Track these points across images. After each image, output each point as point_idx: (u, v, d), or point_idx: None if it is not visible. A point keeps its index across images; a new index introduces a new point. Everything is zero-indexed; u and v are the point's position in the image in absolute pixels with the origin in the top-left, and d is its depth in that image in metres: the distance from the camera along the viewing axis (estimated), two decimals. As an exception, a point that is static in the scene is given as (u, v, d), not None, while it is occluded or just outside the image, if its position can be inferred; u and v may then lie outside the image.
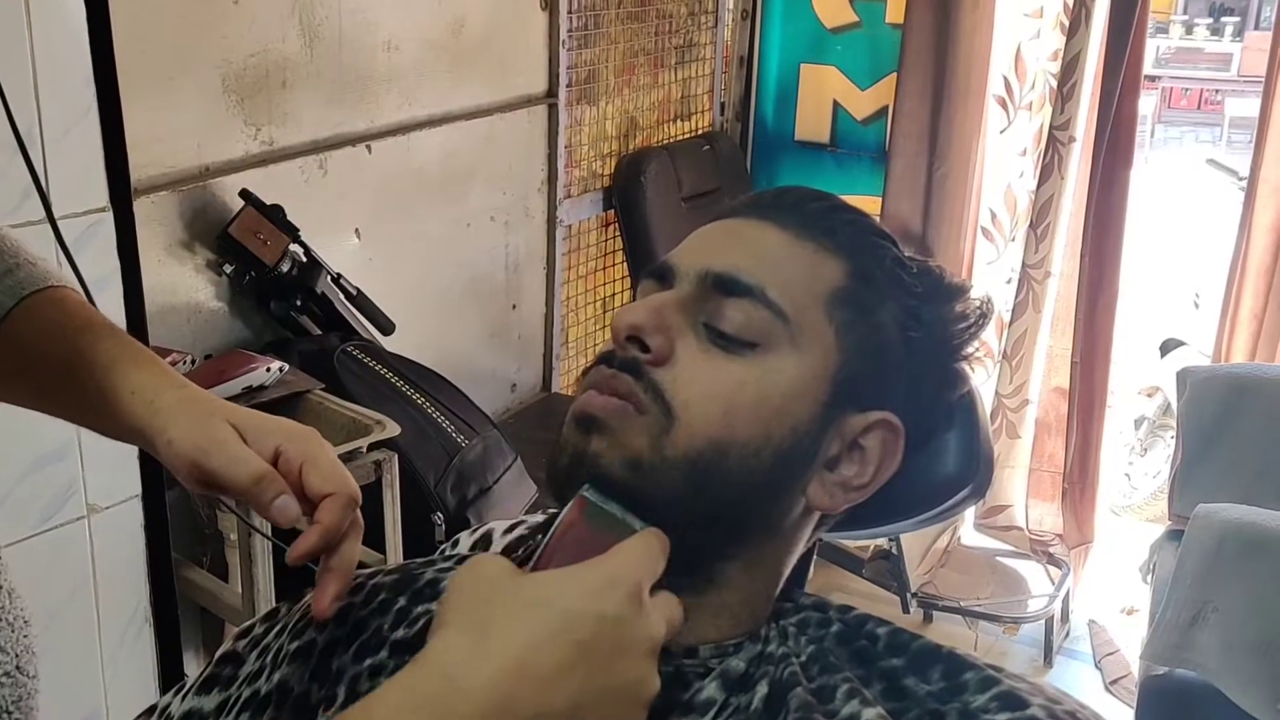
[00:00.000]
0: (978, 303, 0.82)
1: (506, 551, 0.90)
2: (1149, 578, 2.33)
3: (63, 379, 0.83)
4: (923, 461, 0.84)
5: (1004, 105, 3.16)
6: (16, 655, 0.83)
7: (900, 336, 0.78)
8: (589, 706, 0.58)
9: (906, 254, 0.82)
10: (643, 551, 0.65)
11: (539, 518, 0.95)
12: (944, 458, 0.85)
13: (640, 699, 0.61)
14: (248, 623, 0.87)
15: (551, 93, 2.96)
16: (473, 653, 0.57)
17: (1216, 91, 9.98)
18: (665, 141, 3.39)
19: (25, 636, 0.85)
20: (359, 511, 0.79)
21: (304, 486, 0.77)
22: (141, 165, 2.02)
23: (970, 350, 0.82)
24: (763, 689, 0.71)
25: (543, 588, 0.61)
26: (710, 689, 0.71)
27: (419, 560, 0.87)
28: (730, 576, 0.74)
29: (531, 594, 0.60)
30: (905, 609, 2.89)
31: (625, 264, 3.27)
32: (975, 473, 0.86)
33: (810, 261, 0.77)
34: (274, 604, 0.88)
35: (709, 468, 0.70)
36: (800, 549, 0.80)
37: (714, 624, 0.74)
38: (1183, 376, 2.39)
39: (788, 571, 0.79)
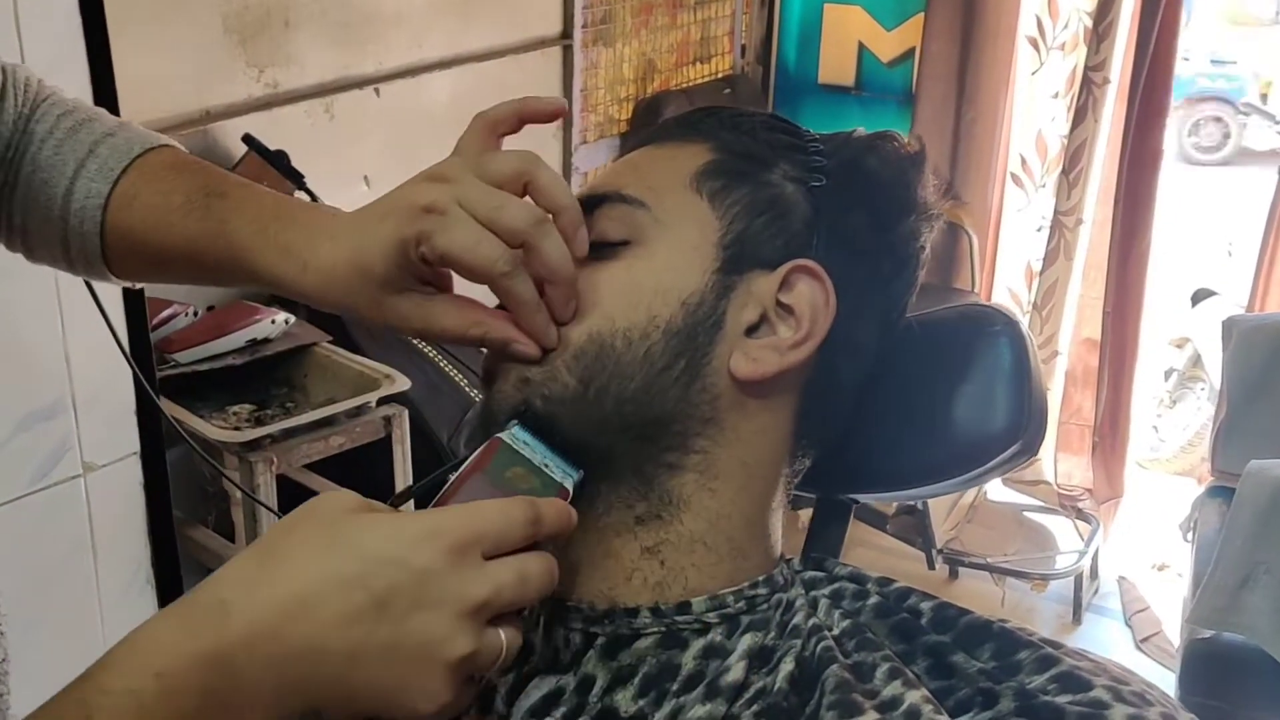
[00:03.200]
0: (899, 144, 0.76)
1: None
2: (1190, 535, 2.26)
3: (189, 259, 0.76)
4: (971, 416, 0.78)
5: (1035, 46, 3.06)
6: None
7: (800, 190, 0.73)
8: (372, 657, 0.55)
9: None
10: (493, 512, 0.59)
11: None
12: (993, 411, 0.79)
13: (440, 659, 0.56)
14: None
15: (566, 34, 2.87)
16: (254, 579, 0.56)
17: (1246, 36, 9.76)
18: (684, 85, 3.30)
19: None
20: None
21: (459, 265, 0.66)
22: (138, 108, 1.94)
23: (910, 192, 0.75)
24: (788, 665, 0.65)
25: (355, 530, 0.58)
26: (737, 669, 0.65)
27: None
28: (687, 494, 0.69)
29: (344, 533, 0.57)
30: (930, 565, 2.83)
31: (643, 212, 3.18)
32: (1026, 427, 0.79)
33: (668, 155, 0.75)
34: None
35: (596, 360, 0.68)
36: (766, 458, 0.72)
37: (694, 566, 0.69)
38: (1228, 326, 2.31)
39: (764, 495, 0.72)
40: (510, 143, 0.73)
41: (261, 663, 0.54)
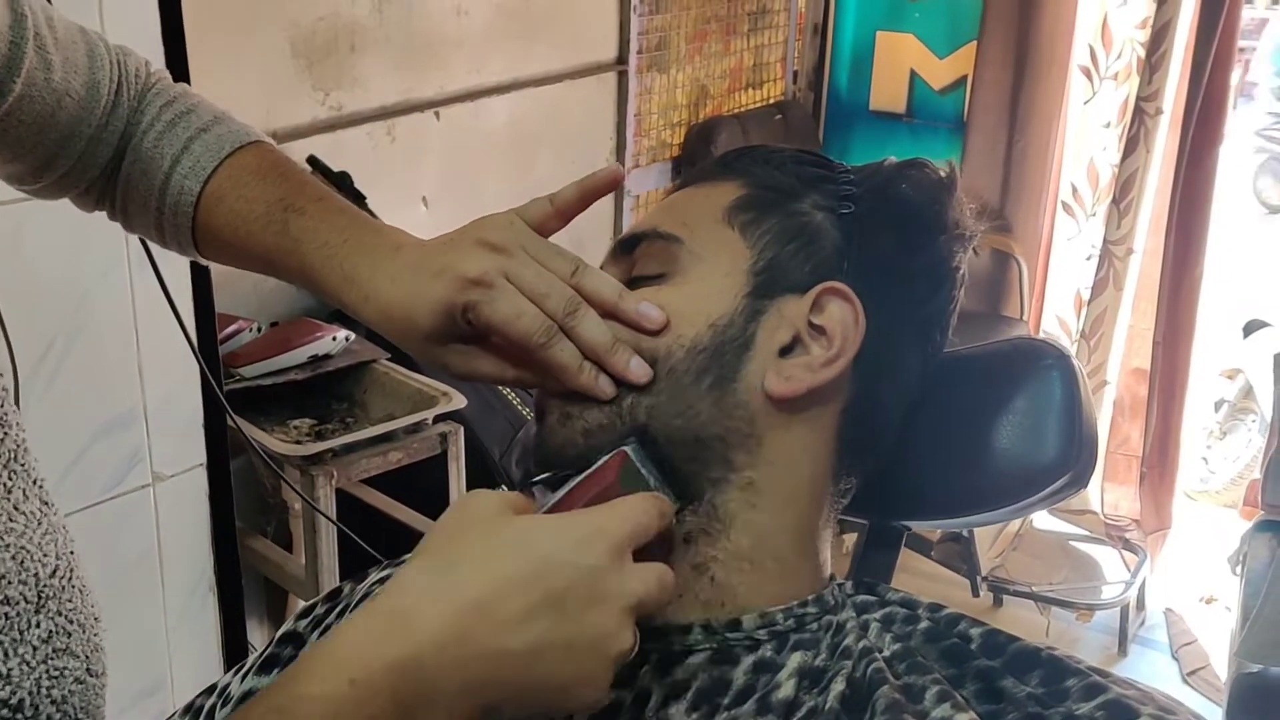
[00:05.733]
0: (929, 169, 0.78)
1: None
2: (1239, 569, 2.24)
3: (267, 266, 0.82)
4: (1021, 447, 0.79)
5: (1089, 75, 3.06)
6: (86, 657, 0.79)
7: (830, 217, 0.76)
8: (551, 654, 0.58)
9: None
10: (637, 509, 0.64)
11: None
12: (1043, 443, 0.80)
13: (608, 654, 0.60)
14: (309, 602, 0.85)
15: (622, 60, 2.91)
16: (433, 586, 0.59)
17: (1302, 64, 9.63)
18: (736, 111, 3.33)
19: (95, 635, 0.81)
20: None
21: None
22: (209, 130, 2.00)
23: (940, 213, 0.77)
24: (839, 685, 0.67)
25: (523, 531, 0.61)
26: (788, 687, 0.67)
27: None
28: (732, 510, 0.71)
29: (510, 535, 0.60)
30: (975, 592, 2.82)
31: (693, 236, 3.21)
32: (1076, 459, 0.80)
33: (703, 194, 0.78)
34: (337, 576, 0.86)
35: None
36: (808, 476, 0.74)
37: (743, 583, 0.71)
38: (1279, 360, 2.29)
39: (810, 513, 0.74)
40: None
41: (449, 665, 0.57)
